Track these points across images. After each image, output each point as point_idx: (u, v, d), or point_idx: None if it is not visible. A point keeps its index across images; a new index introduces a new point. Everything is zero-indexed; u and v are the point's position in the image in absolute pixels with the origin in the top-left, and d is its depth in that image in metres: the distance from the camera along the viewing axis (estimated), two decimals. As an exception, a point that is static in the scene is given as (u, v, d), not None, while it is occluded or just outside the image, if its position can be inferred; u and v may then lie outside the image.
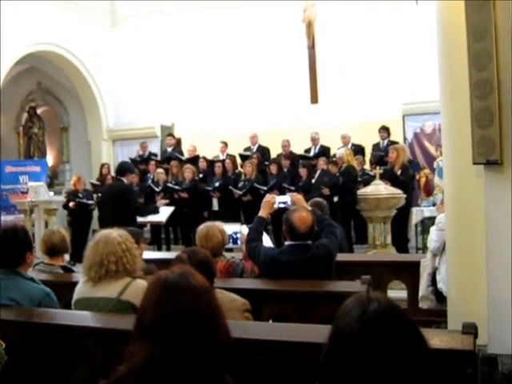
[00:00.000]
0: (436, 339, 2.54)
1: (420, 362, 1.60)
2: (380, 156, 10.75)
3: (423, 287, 4.69)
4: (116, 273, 3.44)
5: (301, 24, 12.80)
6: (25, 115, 16.26)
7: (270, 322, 3.88)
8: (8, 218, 12.39)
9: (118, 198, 7.43)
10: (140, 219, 8.06)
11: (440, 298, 4.52)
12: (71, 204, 11.28)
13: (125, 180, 7.62)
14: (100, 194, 10.03)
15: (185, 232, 11.31)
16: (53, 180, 15.23)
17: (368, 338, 1.58)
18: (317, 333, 2.81)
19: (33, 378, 3.30)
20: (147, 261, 4.77)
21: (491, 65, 3.22)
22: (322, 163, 10.39)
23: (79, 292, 3.59)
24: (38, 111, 16.19)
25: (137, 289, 3.38)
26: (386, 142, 11.24)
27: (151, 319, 1.76)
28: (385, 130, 11.35)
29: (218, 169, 11.32)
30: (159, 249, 11.00)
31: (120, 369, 1.75)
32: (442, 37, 3.81)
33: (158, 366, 1.69)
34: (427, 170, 10.63)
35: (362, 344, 1.58)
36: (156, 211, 8.42)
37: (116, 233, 3.57)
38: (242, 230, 5.51)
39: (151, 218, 8.77)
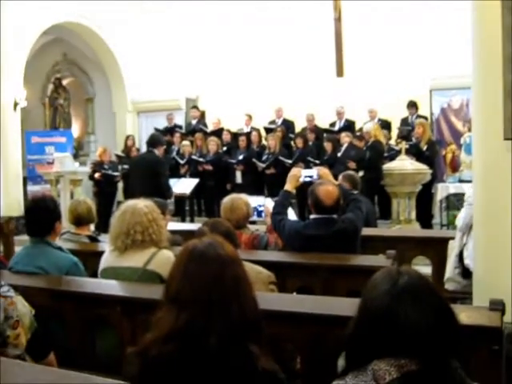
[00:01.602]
0: (463, 315, 2.52)
1: (449, 336, 1.60)
2: (408, 131, 10.63)
3: (450, 268, 4.66)
4: (142, 243, 3.47)
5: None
6: (50, 86, 16.35)
7: (295, 294, 3.90)
8: (34, 188, 12.56)
9: (152, 169, 7.47)
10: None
11: (466, 274, 4.48)
12: (97, 175, 11.37)
13: (156, 152, 7.66)
14: (128, 165, 10.03)
15: (208, 204, 11.36)
16: (78, 151, 15.34)
17: (398, 311, 1.58)
18: (341, 305, 2.82)
19: (60, 345, 3.36)
20: (173, 232, 4.81)
21: (525, 38, 3.15)
22: (346, 137, 10.31)
23: (106, 261, 3.64)
24: (64, 82, 16.27)
25: (162, 259, 3.41)
26: (414, 116, 11.12)
27: (178, 287, 1.78)
28: (413, 105, 11.23)
29: (242, 142, 11.31)
30: (183, 220, 11.05)
31: (147, 336, 1.78)
32: (476, 9, 3.72)
33: (183, 333, 1.71)
34: (454, 146, 10.49)
35: (392, 317, 1.58)
36: (170, 193, 8.22)
37: (142, 203, 3.59)
38: (266, 202, 5.50)
39: (175, 189, 8.78)
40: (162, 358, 1.71)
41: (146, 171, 7.49)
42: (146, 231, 3.48)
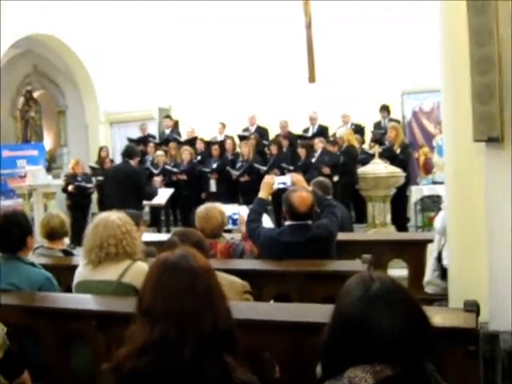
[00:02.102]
0: (438, 317, 2.54)
1: (423, 341, 1.60)
2: (381, 134, 10.72)
3: (429, 272, 4.68)
4: (116, 255, 3.42)
5: (298, 2, 12.67)
6: (21, 99, 16.15)
7: (271, 302, 3.88)
8: (7, 203, 12.35)
9: (130, 180, 7.45)
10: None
11: (445, 276, 4.51)
12: (70, 187, 11.24)
13: (132, 162, 7.66)
14: (103, 176, 9.99)
15: (184, 213, 11.31)
16: (51, 164, 15.17)
17: (371, 318, 1.57)
18: (317, 312, 2.81)
19: (35, 362, 3.30)
20: (147, 243, 4.77)
21: (492, 40, 3.18)
22: (319, 143, 10.34)
23: (79, 275, 3.58)
24: (35, 95, 16.09)
25: (137, 271, 3.37)
26: (386, 120, 11.22)
27: (150, 300, 1.77)
28: (385, 108, 11.35)
29: (215, 151, 11.32)
30: (159, 231, 10.99)
31: (121, 351, 1.75)
32: (443, 13, 3.76)
33: (157, 346, 1.69)
34: (426, 148, 10.60)
35: (365, 323, 1.57)
36: (156, 193, 8.44)
37: (115, 215, 3.55)
38: (241, 211, 5.49)
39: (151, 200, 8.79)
40: (136, 372, 1.69)
41: (123, 182, 7.47)
42: (119, 244, 3.44)
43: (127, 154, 7.82)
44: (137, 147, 8.86)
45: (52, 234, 4.78)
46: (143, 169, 11.44)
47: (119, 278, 3.39)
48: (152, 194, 8.21)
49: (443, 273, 4.59)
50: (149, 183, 8.42)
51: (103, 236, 3.43)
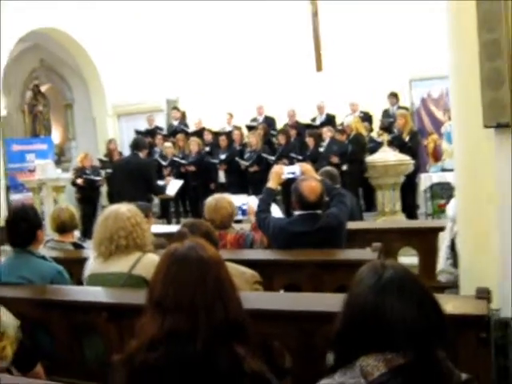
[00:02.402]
0: (450, 305, 2.53)
1: (435, 328, 1.59)
2: (389, 122, 10.67)
3: (442, 260, 4.65)
4: (126, 248, 3.43)
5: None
6: (29, 93, 16.18)
7: (282, 292, 3.89)
8: (16, 197, 12.44)
9: (139, 172, 7.47)
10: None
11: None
12: (79, 181, 11.28)
13: (141, 154, 7.68)
14: (112, 169, 10.00)
15: (193, 205, 11.33)
16: (60, 157, 15.22)
17: (384, 306, 1.57)
18: (329, 302, 2.81)
19: (48, 355, 3.33)
20: (157, 235, 4.78)
21: (501, 25, 3.14)
22: (327, 132, 10.32)
23: (90, 268, 3.60)
24: (42, 89, 16.11)
25: (148, 263, 3.37)
26: (395, 107, 11.16)
27: (161, 292, 1.77)
28: (393, 95, 11.28)
29: (222, 141, 11.31)
30: (169, 222, 11.02)
31: (132, 343, 1.76)
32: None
33: (168, 338, 1.70)
34: (435, 136, 10.53)
35: (378, 312, 1.57)
36: (164, 190, 8.41)
37: (125, 208, 3.55)
38: (250, 201, 5.49)
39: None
40: (148, 364, 1.70)
41: (132, 174, 7.49)
42: (129, 236, 3.44)
43: (135, 146, 7.84)
44: (145, 139, 8.86)
45: (62, 228, 4.80)
46: (152, 161, 11.48)
47: (130, 270, 3.40)
48: (160, 189, 8.21)
49: (457, 261, 4.56)
50: (157, 176, 8.39)
51: (113, 228, 3.43)
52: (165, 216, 11.38)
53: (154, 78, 13.47)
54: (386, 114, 11.28)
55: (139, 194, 6.51)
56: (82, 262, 3.89)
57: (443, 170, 9.68)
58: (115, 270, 3.43)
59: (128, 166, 7.91)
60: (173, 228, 5.71)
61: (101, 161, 12.30)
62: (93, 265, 3.59)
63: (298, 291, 3.77)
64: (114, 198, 8.15)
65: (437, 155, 10.20)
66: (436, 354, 1.57)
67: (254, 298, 3.07)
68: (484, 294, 2.68)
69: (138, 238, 3.47)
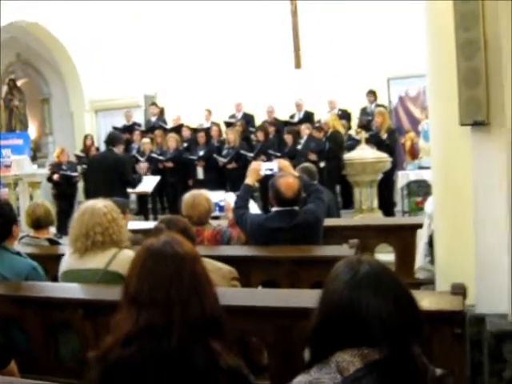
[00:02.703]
0: (426, 300, 2.55)
1: (411, 324, 1.60)
2: (367, 120, 10.72)
3: (420, 258, 4.68)
4: (102, 244, 3.40)
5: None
6: (4, 88, 15.95)
7: (260, 288, 3.89)
8: (-8, 193, 12.26)
9: (114, 168, 7.39)
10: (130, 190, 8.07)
11: None
12: (55, 176, 11.16)
13: (116, 150, 7.60)
14: (87, 165, 9.90)
15: (171, 201, 11.28)
16: (36, 153, 15.03)
17: (359, 301, 1.57)
18: (306, 298, 2.81)
19: (22, 352, 3.29)
20: (134, 231, 4.75)
21: (478, 24, 3.17)
22: (305, 129, 10.34)
23: (66, 264, 3.56)
24: (18, 83, 15.88)
25: (124, 259, 3.34)
26: (373, 105, 11.22)
27: (136, 287, 1.75)
28: (372, 93, 11.35)
29: (201, 138, 11.28)
30: (146, 219, 10.96)
31: (107, 339, 1.74)
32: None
33: (143, 334, 1.68)
34: (412, 134, 10.61)
35: (354, 307, 1.57)
36: (140, 180, 8.35)
37: (101, 203, 3.51)
38: (227, 197, 5.48)
39: (137, 187, 8.74)
40: (123, 361, 1.68)
41: (108, 170, 7.41)
42: (105, 232, 3.41)
43: (110, 141, 7.75)
44: (120, 134, 8.74)
45: (37, 223, 4.74)
46: (128, 157, 11.42)
47: (106, 266, 3.37)
48: (136, 182, 8.14)
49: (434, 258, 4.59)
50: (133, 171, 8.31)
51: (89, 224, 3.40)
52: (142, 212, 11.32)
53: (132, 74, 13.37)
54: (363, 111, 11.35)
55: (115, 189, 6.45)
56: (57, 258, 3.84)
57: (420, 167, 9.75)
58: (91, 267, 3.40)
59: (103, 161, 7.83)
60: (150, 224, 5.69)
61: (77, 156, 12.18)
62: (68, 261, 3.55)
63: (276, 287, 3.78)
64: (90, 194, 8.07)
65: (414, 153, 10.27)
66: (411, 350, 1.58)
67: (231, 294, 3.07)
68: (459, 290, 2.70)
69: (115, 233, 3.44)
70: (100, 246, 3.40)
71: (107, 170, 7.42)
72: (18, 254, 3.69)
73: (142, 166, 10.08)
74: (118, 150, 7.66)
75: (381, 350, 1.55)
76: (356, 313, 1.57)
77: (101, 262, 3.38)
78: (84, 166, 11.02)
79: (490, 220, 3.21)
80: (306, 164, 6.10)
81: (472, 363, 3.23)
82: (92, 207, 3.48)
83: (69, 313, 3.21)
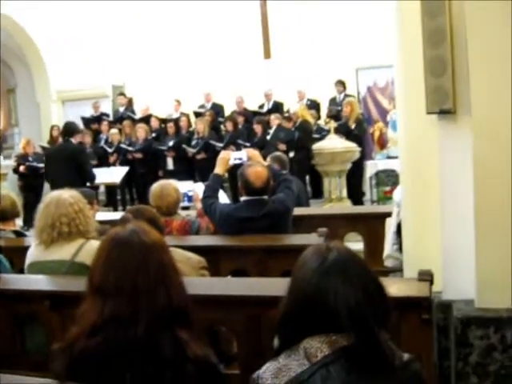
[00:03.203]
0: (393, 287, 2.56)
1: (378, 311, 1.61)
2: (336, 110, 10.77)
3: (388, 246, 4.72)
4: (69, 234, 3.35)
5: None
6: (-32, 78, 15.66)
7: (229, 277, 3.88)
8: (-44, 185, 12.02)
9: (72, 159, 7.26)
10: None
11: None
12: (21, 168, 10.98)
13: (73, 140, 7.46)
14: (46, 157, 9.66)
15: (140, 192, 11.18)
16: (1, 144, 14.77)
17: (327, 288, 1.57)
18: (275, 286, 2.81)
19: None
20: (102, 222, 4.70)
21: (444, 12, 3.19)
22: (275, 119, 10.34)
23: (31, 256, 3.50)
24: (-18, 73, 15.61)
25: (91, 249, 3.27)
26: (342, 95, 11.26)
27: (101, 277, 1.73)
28: (341, 83, 11.38)
29: (170, 128, 11.20)
30: (115, 210, 10.85)
31: (72, 330, 1.72)
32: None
33: (108, 324, 1.66)
34: (381, 124, 10.70)
35: (322, 294, 1.57)
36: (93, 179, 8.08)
37: (67, 194, 3.46)
38: (195, 187, 5.46)
39: (105, 178, 8.62)
40: (88, 351, 1.66)
41: (65, 161, 7.28)
42: (72, 222, 3.36)
43: (67, 132, 7.60)
44: (76, 124, 8.48)
45: (3, 215, 4.65)
46: (97, 147, 11.30)
47: (72, 258, 3.33)
48: (91, 174, 7.93)
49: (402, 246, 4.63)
50: (90, 162, 8.12)
51: (55, 215, 3.35)
52: (111, 204, 11.21)
53: (100, 64, 13.19)
54: (332, 101, 11.38)
55: (74, 180, 6.33)
56: (23, 250, 3.77)
57: (388, 157, 9.86)
58: (57, 258, 3.36)
59: (60, 153, 7.69)
60: (118, 215, 5.64)
61: (43, 148, 11.98)
62: (34, 253, 3.50)
63: (245, 277, 3.78)
64: (51, 186, 7.90)
65: (382, 143, 10.37)
66: (379, 336, 1.58)
67: (200, 283, 3.06)
68: (426, 277, 2.73)
69: (81, 224, 3.39)
70: (66, 236, 3.35)
71: (65, 161, 7.30)
72: (-17, 246, 3.63)
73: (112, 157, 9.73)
74: (75, 140, 7.53)
75: (348, 336, 1.55)
76: (324, 300, 1.57)
77: (67, 253, 3.34)
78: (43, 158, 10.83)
79: (456, 207, 3.24)
80: (278, 153, 6.11)
81: (439, 348, 3.27)
82: (57, 198, 3.43)
83: (35, 305, 3.17)
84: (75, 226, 3.37)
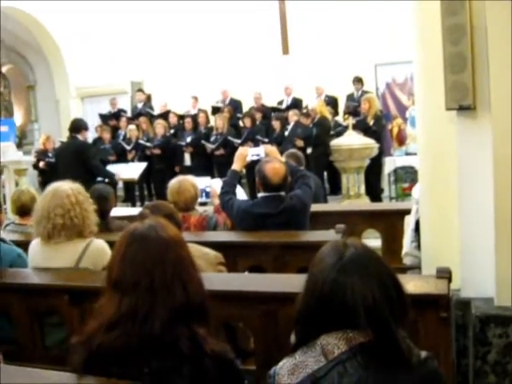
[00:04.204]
0: (411, 284, 2.56)
1: (396, 307, 1.60)
2: (354, 106, 10.71)
3: (407, 243, 4.69)
4: (64, 228, 3.23)
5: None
6: (-11, 75, 15.82)
7: (246, 273, 3.89)
8: (-24, 180, 12.16)
9: (78, 155, 7.31)
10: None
11: None
12: (41, 164, 11.08)
13: (80, 137, 7.51)
14: (55, 156, 9.72)
15: (158, 188, 11.23)
16: (21, 140, 14.92)
17: (345, 284, 1.57)
18: (291, 282, 2.81)
19: (7, 339, 3.27)
20: (120, 218, 4.73)
21: (464, 9, 3.16)
22: (293, 115, 10.32)
23: (33, 259, 3.43)
24: (3, 69, 15.73)
25: (95, 252, 3.27)
26: (360, 92, 11.21)
27: (119, 272, 1.74)
28: (358, 80, 11.33)
29: (187, 124, 11.21)
30: (133, 206, 10.91)
31: (90, 324, 1.73)
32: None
33: (126, 319, 1.67)
34: (399, 120, 10.62)
35: (339, 290, 1.57)
36: (112, 177, 8.11)
37: (67, 185, 3.35)
38: (212, 183, 5.46)
39: (124, 175, 8.65)
40: (106, 346, 1.67)
41: (72, 157, 7.34)
42: (66, 214, 3.22)
43: (74, 128, 7.64)
44: (84, 121, 8.49)
45: (23, 210, 4.70)
46: (116, 143, 11.36)
47: (76, 264, 3.27)
48: (103, 172, 7.96)
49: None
50: (97, 157, 8.11)
51: (51, 205, 3.24)
52: (129, 199, 11.28)
53: (119, 60, 13.25)
54: (350, 98, 11.33)
55: (82, 176, 6.28)
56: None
57: (407, 153, 9.78)
58: (60, 265, 3.28)
59: (67, 150, 7.77)
60: (136, 211, 5.68)
61: (62, 143, 12.07)
62: (35, 256, 3.41)
63: (262, 273, 3.78)
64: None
65: (401, 139, 10.28)
66: (396, 333, 1.58)
67: (217, 279, 3.07)
68: (444, 274, 2.71)
69: (76, 217, 3.26)
70: (61, 230, 3.23)
71: (72, 157, 7.36)
72: (3, 240, 3.67)
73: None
74: (82, 136, 7.58)
75: (366, 332, 1.55)
76: (341, 296, 1.57)
77: (71, 259, 3.27)
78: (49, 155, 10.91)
79: (475, 204, 3.21)
80: (293, 150, 6.09)
81: (457, 346, 3.25)
82: (56, 189, 3.32)
83: (54, 299, 3.19)
84: (69, 219, 3.24)
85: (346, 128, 9.63)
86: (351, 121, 9.54)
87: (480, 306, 3.08)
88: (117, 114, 12.59)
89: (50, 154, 11.14)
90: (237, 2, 12.51)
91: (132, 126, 11.64)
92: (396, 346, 1.56)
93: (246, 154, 4.64)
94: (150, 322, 1.66)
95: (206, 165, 10.62)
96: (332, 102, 11.38)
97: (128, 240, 1.78)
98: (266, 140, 9.90)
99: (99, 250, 3.25)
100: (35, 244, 3.43)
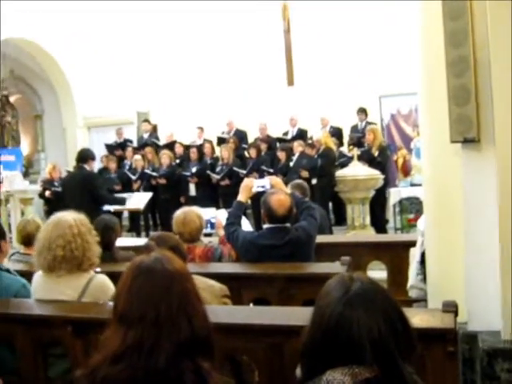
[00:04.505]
0: (417, 318, 2.54)
1: (402, 342, 1.59)
2: (358, 137, 10.76)
3: (412, 276, 4.67)
4: (64, 260, 3.19)
5: (276, 7, 12.71)
6: (-3, 104, 15.96)
7: (251, 306, 3.86)
8: (-17, 209, 12.18)
9: (84, 184, 7.34)
10: (117, 207, 7.97)
11: None
12: (47, 193, 11.11)
13: (87, 167, 7.55)
14: (61, 186, 9.76)
15: (163, 218, 11.23)
16: (28, 169, 15.00)
17: (351, 318, 1.56)
18: (297, 315, 2.80)
19: (10, 370, 3.25)
20: (125, 248, 4.73)
21: (467, 42, 3.20)
22: (298, 146, 10.36)
23: (36, 292, 3.39)
24: (11, 99, 15.89)
25: (98, 288, 3.24)
26: (363, 123, 11.28)
27: (124, 304, 1.73)
28: (362, 111, 11.41)
29: (193, 154, 11.27)
30: (138, 235, 10.91)
31: (95, 356, 1.72)
32: (419, 16, 3.77)
33: (131, 352, 1.66)
34: (404, 151, 10.65)
35: (345, 324, 1.56)
36: (123, 203, 8.22)
37: (71, 216, 3.30)
38: (218, 214, 5.46)
39: (129, 204, 8.68)
40: (110, 379, 1.65)
41: (79, 187, 7.37)
42: (67, 246, 3.17)
43: (81, 158, 7.69)
44: (91, 150, 8.56)
45: (28, 240, 4.69)
46: (121, 173, 11.40)
47: (79, 298, 3.24)
48: (111, 200, 8.01)
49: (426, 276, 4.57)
50: (103, 187, 8.15)
51: (52, 236, 3.20)
52: (134, 229, 11.28)
53: (125, 91, 13.39)
54: (354, 129, 11.39)
55: (86, 206, 6.24)
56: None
57: (412, 184, 9.78)
58: (63, 298, 3.25)
59: (74, 179, 7.82)
60: (141, 241, 5.67)
61: (69, 172, 12.13)
62: (38, 289, 3.37)
63: (267, 305, 3.76)
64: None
65: (406, 170, 10.30)
66: (402, 368, 1.56)
67: (222, 311, 3.05)
68: (451, 308, 2.69)
69: (77, 249, 3.20)
70: (62, 262, 3.19)
71: (78, 187, 7.39)
72: (8, 271, 3.65)
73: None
74: (89, 166, 7.62)
75: (371, 368, 1.53)
76: (347, 330, 1.56)
77: (73, 294, 3.24)
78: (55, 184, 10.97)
79: (480, 237, 3.21)
80: (298, 181, 6.10)
81: (464, 381, 3.21)
82: (58, 219, 3.28)
83: (58, 330, 3.17)
84: (70, 250, 3.18)
85: (350, 159, 9.66)
86: (356, 151, 9.58)
87: (487, 339, 3.05)
88: (123, 144, 12.67)
89: (56, 184, 11.18)
90: (243, 34, 12.69)
91: (138, 156, 11.71)
92: (402, 382, 1.54)
93: (252, 185, 4.65)
94: (155, 356, 1.65)
95: (212, 195, 10.64)
96: (337, 133, 11.43)
97: (134, 273, 1.78)
98: (271, 170, 9.93)
99: (102, 286, 3.23)
100: (38, 276, 3.40)
